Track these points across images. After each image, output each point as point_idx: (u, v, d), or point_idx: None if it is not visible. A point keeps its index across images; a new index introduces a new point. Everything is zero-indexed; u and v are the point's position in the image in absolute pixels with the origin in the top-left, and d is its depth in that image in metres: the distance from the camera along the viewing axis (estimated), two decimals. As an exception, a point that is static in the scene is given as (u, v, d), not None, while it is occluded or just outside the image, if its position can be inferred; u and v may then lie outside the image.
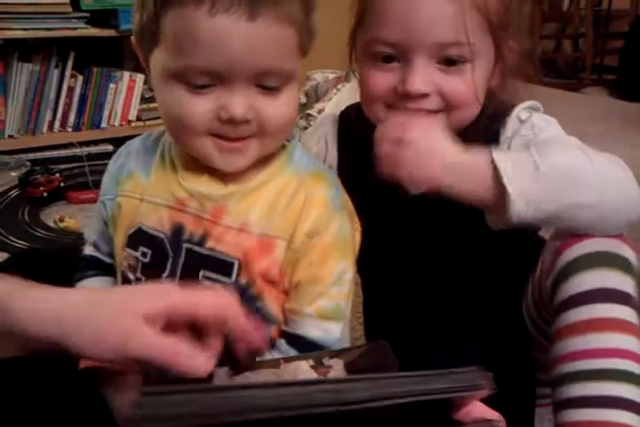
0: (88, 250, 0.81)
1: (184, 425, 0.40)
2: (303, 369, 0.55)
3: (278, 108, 0.64)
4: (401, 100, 0.74)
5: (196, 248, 0.68)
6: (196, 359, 0.51)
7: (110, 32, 2.30)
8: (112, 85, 2.42)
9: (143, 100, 2.48)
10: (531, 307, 0.73)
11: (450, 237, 0.80)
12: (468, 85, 0.72)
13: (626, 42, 3.48)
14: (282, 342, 0.69)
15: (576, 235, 0.67)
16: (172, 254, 0.69)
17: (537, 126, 0.76)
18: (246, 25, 0.59)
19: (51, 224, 1.78)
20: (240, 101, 0.62)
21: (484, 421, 0.49)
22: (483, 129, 0.77)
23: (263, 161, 0.69)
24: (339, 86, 2.35)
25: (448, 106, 0.74)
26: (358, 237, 0.72)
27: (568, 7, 3.88)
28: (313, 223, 0.67)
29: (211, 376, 0.53)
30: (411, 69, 0.72)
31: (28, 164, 2.17)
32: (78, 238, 0.82)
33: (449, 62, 0.72)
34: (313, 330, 0.68)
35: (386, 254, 0.79)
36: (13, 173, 2.08)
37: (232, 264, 0.67)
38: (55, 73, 2.31)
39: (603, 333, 0.64)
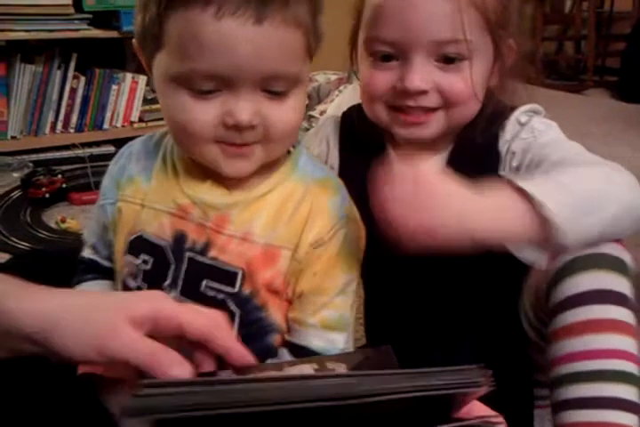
0: (87, 253, 0.79)
1: (182, 417, 0.40)
2: (306, 373, 0.55)
3: (285, 113, 0.63)
4: (400, 98, 0.74)
5: (199, 257, 0.67)
6: (178, 367, 0.49)
7: (113, 33, 2.31)
8: (114, 87, 2.43)
9: (145, 101, 2.49)
10: (527, 308, 0.73)
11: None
12: (466, 83, 0.73)
13: (628, 44, 3.48)
14: (284, 352, 0.68)
15: None
16: (174, 263, 0.68)
17: (537, 130, 0.76)
18: (253, 28, 0.57)
19: (53, 225, 1.78)
20: (246, 107, 0.60)
21: (481, 418, 0.49)
22: (481, 131, 0.77)
23: (268, 167, 0.67)
24: (340, 88, 2.35)
25: (447, 103, 0.74)
26: (363, 244, 0.71)
27: (570, 9, 3.88)
28: (318, 234, 0.66)
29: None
30: (409, 67, 0.72)
31: (31, 165, 2.17)
32: (80, 240, 0.81)
33: (447, 60, 0.72)
34: (316, 340, 0.67)
35: (386, 254, 0.79)
36: (15, 174, 2.08)
37: (236, 274, 0.66)
38: (58, 74, 2.32)
39: (600, 334, 0.64)
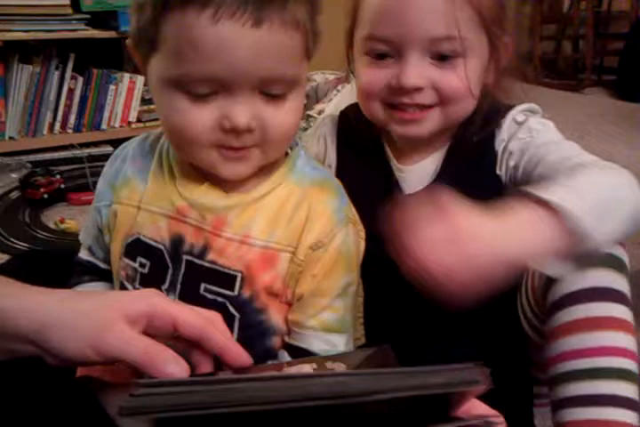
0: (83, 254, 0.78)
1: (179, 416, 0.40)
2: (305, 372, 0.55)
3: (283, 116, 0.62)
4: (396, 95, 0.74)
5: (197, 261, 0.66)
6: (173, 365, 0.49)
7: (110, 33, 2.30)
8: (112, 87, 2.42)
9: (143, 101, 2.49)
10: (525, 306, 0.73)
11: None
12: (461, 80, 0.73)
13: (626, 43, 3.49)
14: (284, 355, 0.68)
15: None
16: (172, 266, 0.67)
17: (535, 130, 0.76)
18: (252, 31, 0.56)
19: (51, 226, 1.78)
20: (244, 110, 0.59)
21: (480, 417, 0.49)
22: (478, 129, 0.77)
23: (265, 169, 0.67)
24: (338, 87, 2.35)
25: (442, 100, 0.74)
26: (363, 245, 0.71)
27: (568, 8, 3.88)
28: (317, 236, 0.65)
29: None
30: (405, 64, 0.73)
31: (29, 165, 2.17)
32: (79, 240, 0.81)
33: (442, 57, 0.73)
34: (317, 342, 0.67)
35: (385, 253, 0.79)
36: (14, 175, 2.08)
37: (235, 277, 0.65)
38: (55, 75, 2.32)
39: (599, 331, 0.64)
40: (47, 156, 2.30)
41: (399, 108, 0.76)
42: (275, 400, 0.40)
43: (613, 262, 0.66)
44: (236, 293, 0.65)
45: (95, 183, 0.78)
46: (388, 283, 0.83)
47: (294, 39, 0.60)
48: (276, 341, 0.69)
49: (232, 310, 0.66)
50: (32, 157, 2.26)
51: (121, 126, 2.47)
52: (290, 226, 0.66)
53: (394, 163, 0.82)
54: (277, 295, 0.67)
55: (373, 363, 0.56)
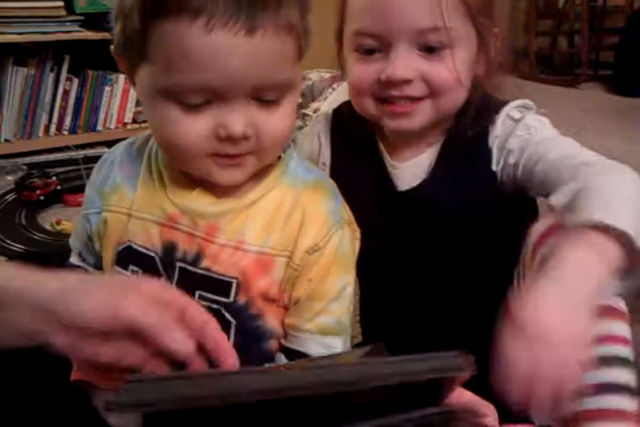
0: (74, 259, 0.77)
1: (168, 410, 0.40)
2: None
3: (277, 121, 0.61)
4: (386, 88, 0.74)
5: (190, 268, 0.65)
6: (181, 338, 0.50)
7: (105, 35, 2.29)
8: (107, 88, 2.42)
9: (139, 102, 2.48)
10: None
11: (443, 233, 0.80)
12: (450, 71, 0.73)
13: (621, 37, 3.48)
14: (282, 358, 0.67)
15: (554, 226, 0.67)
16: (165, 274, 0.66)
17: (532, 127, 0.76)
18: (245, 40, 0.55)
19: (47, 227, 1.78)
20: (239, 118, 0.58)
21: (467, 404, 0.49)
22: (471, 123, 0.77)
23: (258, 173, 0.66)
24: (334, 85, 2.35)
25: (432, 92, 0.74)
26: (358, 246, 0.71)
27: (564, 4, 3.88)
28: (313, 240, 0.65)
29: None
30: (392, 57, 0.73)
31: (25, 167, 2.17)
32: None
33: (429, 49, 0.73)
34: (314, 346, 0.66)
35: (378, 251, 0.79)
36: (10, 177, 2.08)
37: (230, 284, 0.64)
38: (50, 76, 2.31)
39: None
40: (43, 157, 2.30)
41: (389, 101, 0.76)
42: (262, 392, 0.40)
43: None
44: (231, 299, 0.65)
45: (92, 185, 0.76)
46: (383, 279, 0.83)
47: (287, 44, 0.59)
48: (272, 344, 0.68)
49: (228, 316, 0.65)
50: (28, 159, 2.26)
51: (117, 127, 2.46)
52: (285, 230, 0.65)
53: (387, 159, 0.82)
54: (274, 300, 0.66)
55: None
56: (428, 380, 0.44)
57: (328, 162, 0.86)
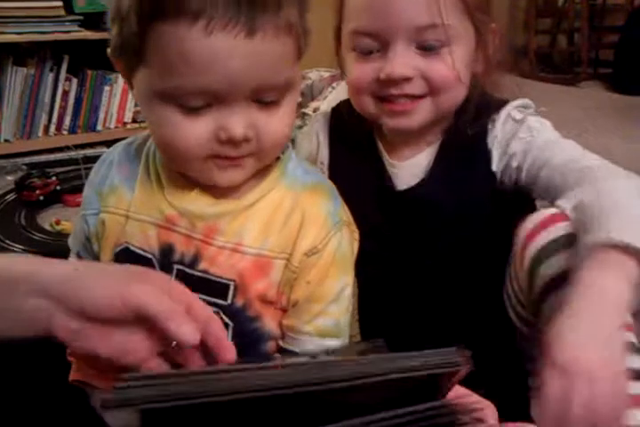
0: (72, 260, 0.76)
1: (165, 407, 0.40)
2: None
3: (276, 123, 0.61)
4: (385, 87, 0.74)
5: (188, 270, 0.65)
6: (187, 325, 0.50)
7: (104, 35, 2.29)
8: (107, 88, 2.42)
9: (138, 102, 2.48)
10: (512, 298, 0.73)
11: (441, 233, 0.80)
12: (449, 68, 0.73)
13: (621, 36, 3.48)
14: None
15: (544, 222, 0.67)
16: None
17: (535, 129, 0.76)
18: (245, 42, 0.54)
19: (47, 227, 1.78)
20: (239, 120, 0.58)
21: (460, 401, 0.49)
22: (470, 122, 0.77)
23: (257, 174, 0.65)
24: (333, 84, 2.35)
25: (432, 90, 0.74)
26: (357, 247, 0.70)
27: (563, 2, 3.87)
28: (312, 242, 0.65)
29: None
30: (391, 55, 0.73)
31: (24, 167, 2.17)
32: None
33: (428, 47, 0.73)
34: (312, 347, 0.66)
35: (377, 250, 0.79)
36: (9, 177, 2.08)
37: (227, 286, 0.64)
38: (50, 76, 2.31)
39: None
40: (43, 157, 2.30)
41: (389, 100, 0.76)
42: (259, 388, 0.40)
43: None
44: (229, 302, 0.65)
45: (91, 184, 0.76)
46: (382, 279, 0.83)
47: (287, 45, 0.59)
48: (270, 345, 0.68)
49: (225, 318, 0.65)
50: (27, 160, 2.26)
51: (116, 127, 2.46)
52: (283, 232, 0.65)
53: (386, 159, 0.82)
54: (272, 302, 0.66)
55: None
56: (426, 376, 0.45)
57: (326, 161, 0.86)
